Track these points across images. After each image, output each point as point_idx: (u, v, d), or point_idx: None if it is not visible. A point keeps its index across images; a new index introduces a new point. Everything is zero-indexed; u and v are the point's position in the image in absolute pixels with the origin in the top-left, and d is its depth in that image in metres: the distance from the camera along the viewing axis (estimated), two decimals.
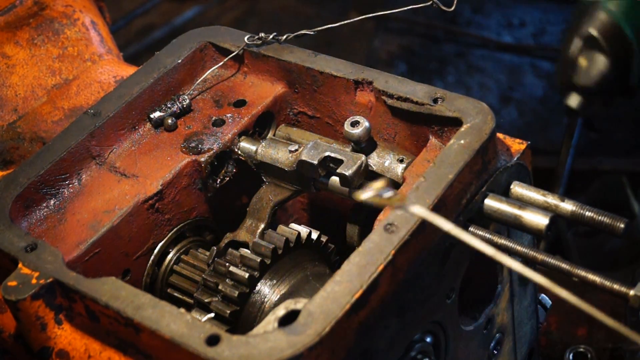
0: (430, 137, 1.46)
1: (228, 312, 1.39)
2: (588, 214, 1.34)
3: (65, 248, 1.40)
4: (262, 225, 1.52)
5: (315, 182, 1.50)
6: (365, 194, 1.11)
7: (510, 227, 1.39)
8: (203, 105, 1.62)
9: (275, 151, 1.52)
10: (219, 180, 1.57)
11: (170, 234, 1.54)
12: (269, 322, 1.20)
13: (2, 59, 1.81)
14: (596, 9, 1.09)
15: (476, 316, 1.49)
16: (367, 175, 1.44)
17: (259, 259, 1.41)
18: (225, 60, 1.65)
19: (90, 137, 1.52)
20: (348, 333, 1.18)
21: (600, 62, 1.08)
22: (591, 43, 1.09)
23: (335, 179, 1.46)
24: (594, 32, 1.09)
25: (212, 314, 1.42)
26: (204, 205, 1.58)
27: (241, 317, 1.41)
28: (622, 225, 1.31)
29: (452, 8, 1.54)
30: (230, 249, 1.45)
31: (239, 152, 1.56)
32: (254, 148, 1.55)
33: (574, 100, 1.12)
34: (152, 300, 1.23)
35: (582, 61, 1.09)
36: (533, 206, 1.35)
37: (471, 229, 1.35)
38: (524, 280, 1.56)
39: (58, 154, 1.49)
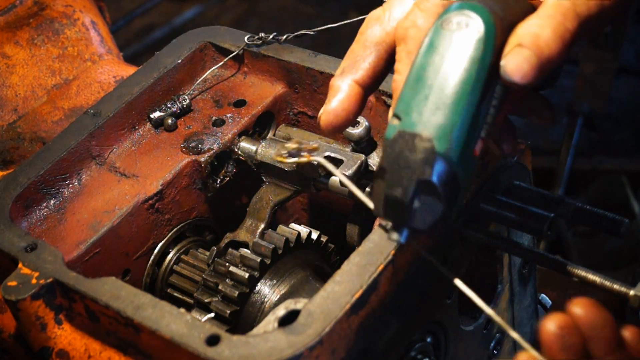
0: None
1: (228, 312, 1.39)
2: (588, 214, 1.34)
3: (65, 248, 1.40)
4: (262, 225, 1.52)
5: (315, 182, 1.50)
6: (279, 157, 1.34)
7: (510, 227, 1.39)
8: (203, 105, 1.62)
9: (275, 151, 1.52)
10: (219, 180, 1.56)
11: (170, 234, 1.54)
12: (269, 322, 1.20)
13: (2, 59, 1.81)
14: (428, 153, 1.08)
15: (476, 316, 1.49)
16: (367, 175, 1.44)
17: (259, 259, 1.41)
18: (225, 60, 1.65)
19: (90, 137, 1.52)
20: (348, 333, 1.18)
21: (435, 207, 1.09)
22: (427, 188, 1.08)
23: (335, 179, 1.46)
24: (432, 178, 1.08)
25: (212, 314, 1.42)
26: (204, 205, 1.58)
27: (241, 317, 1.41)
28: (622, 225, 1.31)
29: None
30: (230, 249, 1.45)
31: (239, 152, 1.55)
32: (254, 148, 1.55)
33: (397, 236, 1.12)
34: (152, 300, 1.23)
35: (417, 205, 1.08)
36: (533, 206, 1.35)
37: (471, 229, 1.35)
38: (524, 280, 1.56)
39: (58, 154, 1.48)
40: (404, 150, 1.08)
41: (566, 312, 1.05)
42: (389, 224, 1.12)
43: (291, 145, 1.31)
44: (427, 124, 1.08)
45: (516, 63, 1.08)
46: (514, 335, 1.13)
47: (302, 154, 1.31)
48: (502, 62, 1.08)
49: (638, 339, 1.07)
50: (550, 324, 1.03)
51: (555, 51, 1.08)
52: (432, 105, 1.08)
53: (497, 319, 1.16)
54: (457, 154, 1.08)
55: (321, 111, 1.24)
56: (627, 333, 1.07)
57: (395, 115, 1.10)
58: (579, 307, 1.05)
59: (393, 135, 1.09)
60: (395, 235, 1.12)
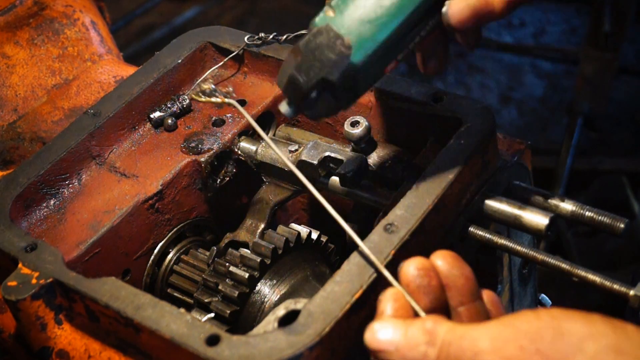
0: (431, 137, 1.46)
1: (228, 312, 1.39)
2: (588, 214, 1.34)
3: (65, 248, 1.40)
4: (262, 225, 1.52)
5: (315, 182, 1.50)
6: (194, 94, 1.39)
7: (510, 227, 1.39)
8: (203, 105, 1.62)
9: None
10: (219, 180, 1.56)
11: (170, 234, 1.54)
12: (269, 322, 1.20)
13: (2, 59, 1.81)
14: (342, 58, 1.18)
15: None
16: (367, 175, 1.45)
17: (259, 259, 1.41)
18: (225, 60, 1.65)
19: (90, 137, 1.52)
20: (348, 333, 1.18)
21: (330, 104, 1.21)
22: (327, 86, 1.19)
23: (335, 179, 1.46)
24: (336, 80, 1.18)
25: (212, 314, 1.42)
26: (204, 205, 1.58)
27: (241, 317, 1.41)
28: (622, 225, 1.31)
29: None
30: (230, 249, 1.45)
31: (239, 152, 1.55)
32: (254, 148, 1.55)
33: (286, 109, 1.25)
34: (152, 300, 1.23)
35: (314, 95, 1.22)
36: (533, 206, 1.35)
37: (471, 229, 1.35)
38: (524, 280, 1.56)
39: (58, 154, 1.49)
40: (323, 44, 1.15)
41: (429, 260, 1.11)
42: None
43: (206, 85, 1.37)
44: (354, 32, 1.14)
45: (460, 8, 1.14)
46: (385, 272, 1.16)
47: (217, 94, 1.36)
48: (447, 2, 1.14)
49: (492, 300, 1.12)
50: (410, 264, 1.09)
51: (499, 7, 1.14)
52: (366, 16, 1.14)
53: (365, 249, 1.20)
54: (369, 68, 1.15)
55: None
56: (485, 295, 1.11)
57: (331, 7, 1.16)
58: (439, 258, 1.10)
59: (321, 25, 1.16)
60: (284, 108, 1.23)
